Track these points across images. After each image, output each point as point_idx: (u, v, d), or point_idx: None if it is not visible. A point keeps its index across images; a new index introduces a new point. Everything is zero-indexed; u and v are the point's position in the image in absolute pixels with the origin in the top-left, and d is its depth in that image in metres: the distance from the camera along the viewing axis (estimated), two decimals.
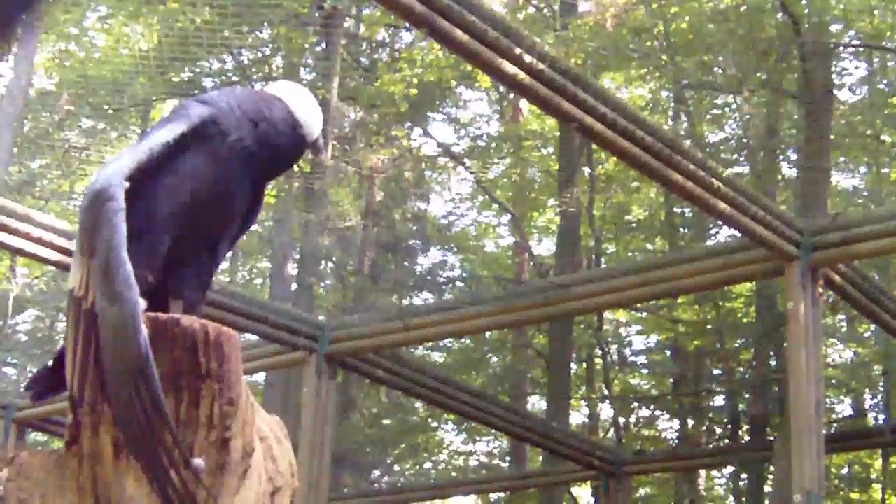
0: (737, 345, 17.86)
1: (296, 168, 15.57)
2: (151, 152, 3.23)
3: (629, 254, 20.39)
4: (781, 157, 17.16)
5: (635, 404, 20.88)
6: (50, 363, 3.52)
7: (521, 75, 7.34)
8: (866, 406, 19.68)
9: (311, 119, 3.72)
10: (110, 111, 18.26)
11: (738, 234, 9.71)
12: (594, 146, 15.36)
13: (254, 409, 3.13)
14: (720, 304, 17.40)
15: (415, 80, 15.76)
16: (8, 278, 18.56)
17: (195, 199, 3.36)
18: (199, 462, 2.90)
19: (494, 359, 21.61)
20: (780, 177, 17.12)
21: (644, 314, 19.89)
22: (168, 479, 2.79)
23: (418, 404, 21.06)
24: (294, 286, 18.73)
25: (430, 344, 20.53)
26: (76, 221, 3.65)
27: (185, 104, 3.51)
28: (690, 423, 19.25)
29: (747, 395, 17.30)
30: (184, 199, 3.34)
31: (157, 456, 2.80)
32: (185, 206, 3.34)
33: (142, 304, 2.92)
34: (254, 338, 11.81)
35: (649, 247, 20.44)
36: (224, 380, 2.94)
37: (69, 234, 9.02)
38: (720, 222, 13.26)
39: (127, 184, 3.09)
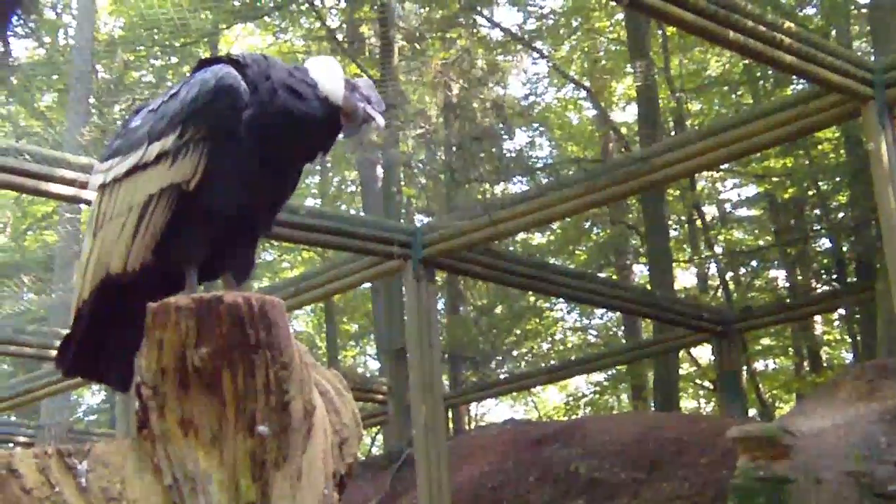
0: (830, 187, 17.57)
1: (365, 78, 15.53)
2: None
3: (715, 108, 20.10)
4: None
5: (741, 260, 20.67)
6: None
7: None
8: None
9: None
10: (178, 45, 18.34)
11: None
12: None
13: (309, 368, 3.20)
14: (808, 150, 17.10)
15: None
16: None
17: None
18: (263, 429, 2.99)
19: (595, 229, 21.56)
20: (853, 10, 16.69)
21: (735, 167, 19.64)
22: None
23: None
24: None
25: None
26: None
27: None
28: (798, 274, 19.02)
29: (852, 238, 17.03)
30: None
31: None
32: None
33: None
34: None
35: (733, 97, 20.09)
36: (275, 346, 3.01)
37: None
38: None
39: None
